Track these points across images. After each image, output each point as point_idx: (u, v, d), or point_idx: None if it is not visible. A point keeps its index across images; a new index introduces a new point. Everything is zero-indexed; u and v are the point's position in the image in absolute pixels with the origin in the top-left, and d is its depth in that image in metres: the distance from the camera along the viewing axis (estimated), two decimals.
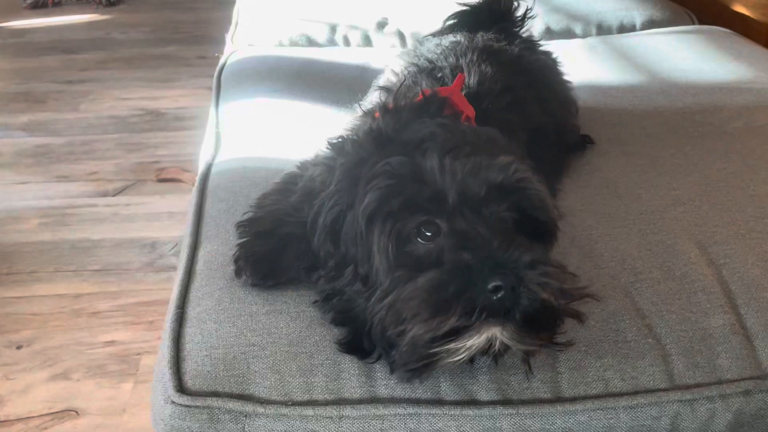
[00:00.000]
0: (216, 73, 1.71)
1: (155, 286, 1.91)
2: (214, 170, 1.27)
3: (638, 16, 1.98)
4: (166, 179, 2.43)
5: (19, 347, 1.71)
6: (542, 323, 0.75)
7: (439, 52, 1.20)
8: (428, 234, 0.78)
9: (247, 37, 1.93)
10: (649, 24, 1.96)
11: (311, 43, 1.89)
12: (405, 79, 1.18)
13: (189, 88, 3.19)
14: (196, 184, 1.23)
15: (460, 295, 0.71)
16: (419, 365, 0.76)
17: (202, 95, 3.02)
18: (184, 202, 2.25)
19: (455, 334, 0.72)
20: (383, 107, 0.97)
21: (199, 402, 0.81)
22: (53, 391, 1.58)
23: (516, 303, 0.71)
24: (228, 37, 2.00)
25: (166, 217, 2.21)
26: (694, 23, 1.99)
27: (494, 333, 0.73)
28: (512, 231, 0.78)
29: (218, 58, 1.86)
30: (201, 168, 1.28)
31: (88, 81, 3.26)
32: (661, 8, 2.01)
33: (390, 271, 0.77)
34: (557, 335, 0.78)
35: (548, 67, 1.30)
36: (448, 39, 1.27)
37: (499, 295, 0.71)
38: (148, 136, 2.75)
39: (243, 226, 0.97)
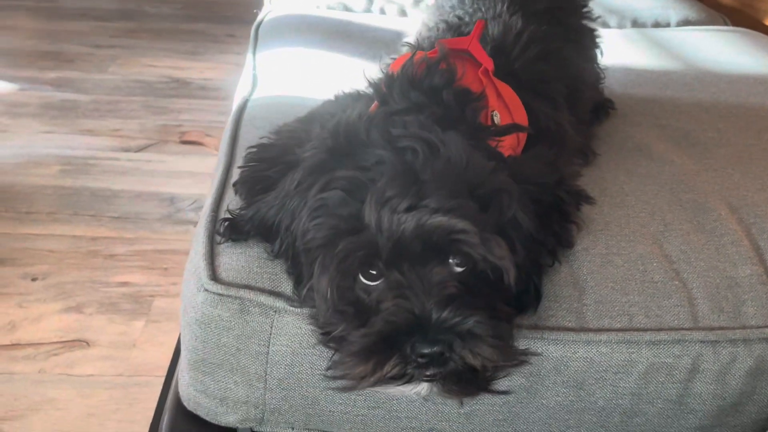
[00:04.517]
0: (254, 27, 1.73)
1: (172, 237, 1.92)
2: (250, 104, 1.28)
3: (673, 15, 1.99)
4: (189, 142, 2.44)
5: (34, 279, 1.72)
6: (474, 380, 0.75)
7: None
8: (372, 273, 0.76)
9: (285, 0, 1.95)
10: (684, 23, 1.97)
11: (348, 10, 1.91)
12: (431, 36, 1.17)
13: (216, 62, 3.20)
14: (232, 114, 1.24)
15: (392, 355, 0.72)
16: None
17: (229, 69, 3.05)
18: (205, 164, 2.28)
19: (392, 380, 0.73)
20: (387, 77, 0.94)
21: (232, 292, 0.82)
22: (65, 322, 1.59)
23: (443, 366, 0.72)
24: None
25: (186, 176, 2.23)
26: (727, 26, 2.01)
27: (425, 387, 0.74)
28: (455, 287, 0.75)
29: (255, 14, 1.88)
30: (237, 102, 1.30)
31: (117, 47, 3.29)
32: (696, 10, 2.03)
33: (331, 307, 0.76)
34: (493, 385, 0.77)
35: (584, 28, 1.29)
36: None
37: (425, 361, 0.71)
38: (172, 101, 2.77)
39: (251, 151, 0.95)
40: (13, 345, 1.51)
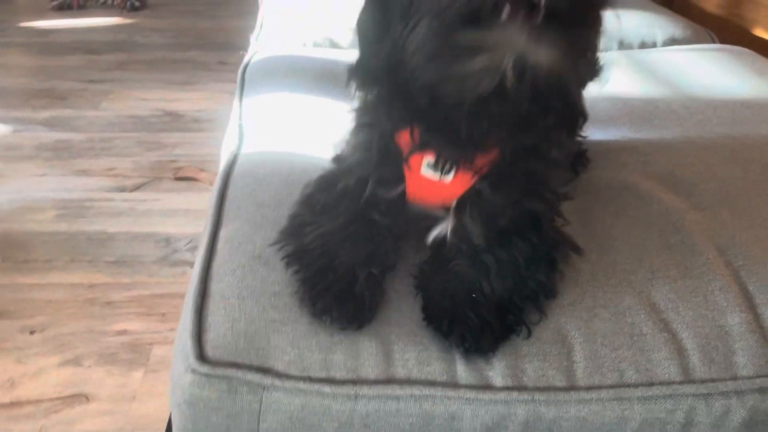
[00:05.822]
0: (240, 70, 1.73)
1: (169, 280, 1.92)
2: (238, 160, 1.28)
3: (660, 34, 2.00)
4: (184, 178, 2.45)
5: (32, 332, 1.72)
6: None
7: None
8: None
9: (271, 39, 1.95)
10: (671, 42, 1.97)
11: (335, 46, 1.91)
12: None
13: (209, 91, 3.22)
14: (221, 171, 1.24)
15: None
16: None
17: (222, 99, 3.06)
18: (201, 200, 2.29)
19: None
20: None
21: (219, 371, 0.82)
22: (64, 376, 1.59)
23: None
24: (252, 37, 2.02)
25: (182, 214, 2.23)
26: (714, 43, 2.01)
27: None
28: None
29: (242, 56, 1.88)
30: (226, 157, 1.30)
31: (109, 81, 3.30)
32: (682, 27, 2.03)
33: None
34: None
35: None
36: None
37: None
38: (166, 135, 2.77)
39: (292, 259, 0.95)
40: (12, 403, 1.51)
